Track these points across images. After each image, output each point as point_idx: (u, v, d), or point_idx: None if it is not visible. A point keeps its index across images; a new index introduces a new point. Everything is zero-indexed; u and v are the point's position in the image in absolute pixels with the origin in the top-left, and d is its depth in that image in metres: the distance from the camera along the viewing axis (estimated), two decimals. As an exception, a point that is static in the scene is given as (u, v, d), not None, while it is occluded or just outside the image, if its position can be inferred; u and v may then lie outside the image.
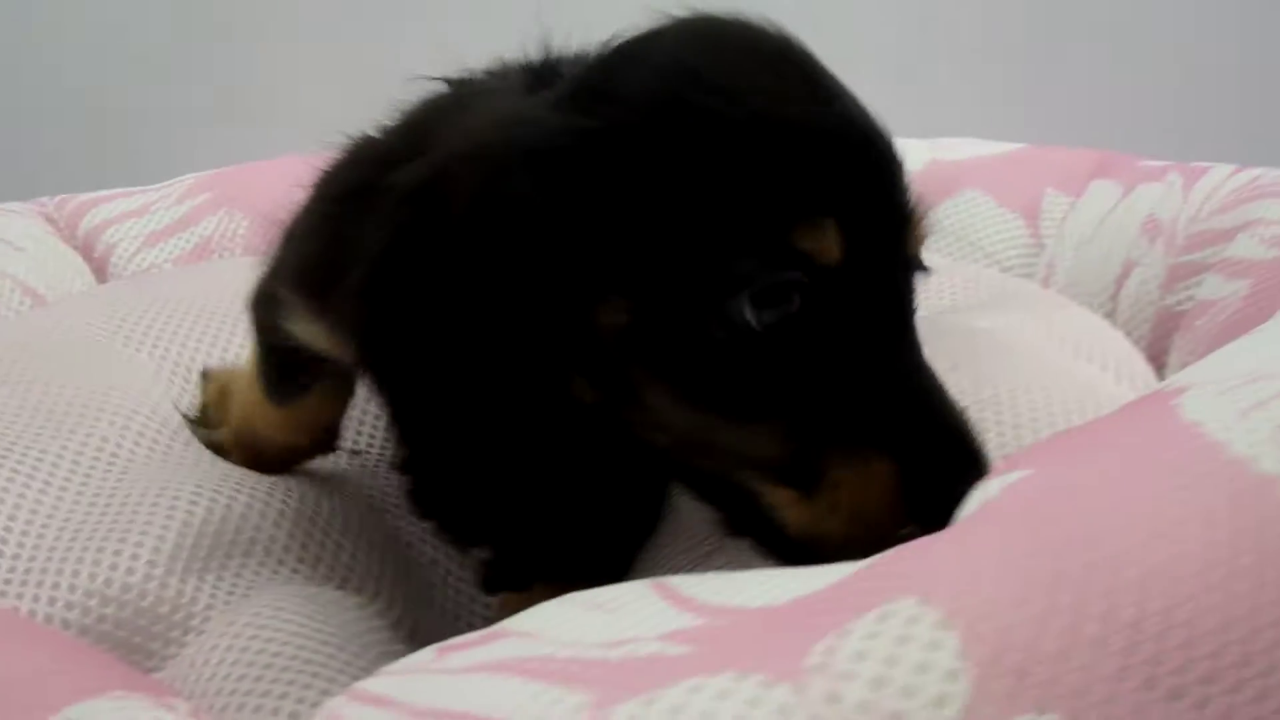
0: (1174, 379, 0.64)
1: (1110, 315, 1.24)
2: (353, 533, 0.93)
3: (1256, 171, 1.24)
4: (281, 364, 0.92)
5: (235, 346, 1.11)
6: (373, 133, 0.83)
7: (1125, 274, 1.25)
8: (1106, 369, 1.00)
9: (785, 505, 0.65)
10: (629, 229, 0.64)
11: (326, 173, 0.84)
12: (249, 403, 0.98)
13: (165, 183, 1.61)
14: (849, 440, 0.64)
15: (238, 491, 0.91)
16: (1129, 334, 1.18)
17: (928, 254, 0.76)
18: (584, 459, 0.70)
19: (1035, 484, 0.53)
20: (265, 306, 0.90)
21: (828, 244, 0.63)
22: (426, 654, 0.54)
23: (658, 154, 0.64)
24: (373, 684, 0.52)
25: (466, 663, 0.51)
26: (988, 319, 1.06)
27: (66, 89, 2.46)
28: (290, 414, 0.96)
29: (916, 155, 1.58)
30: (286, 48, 2.40)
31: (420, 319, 0.66)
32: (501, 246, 0.65)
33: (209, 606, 0.82)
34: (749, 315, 0.62)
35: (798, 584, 0.51)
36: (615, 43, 0.73)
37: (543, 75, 0.78)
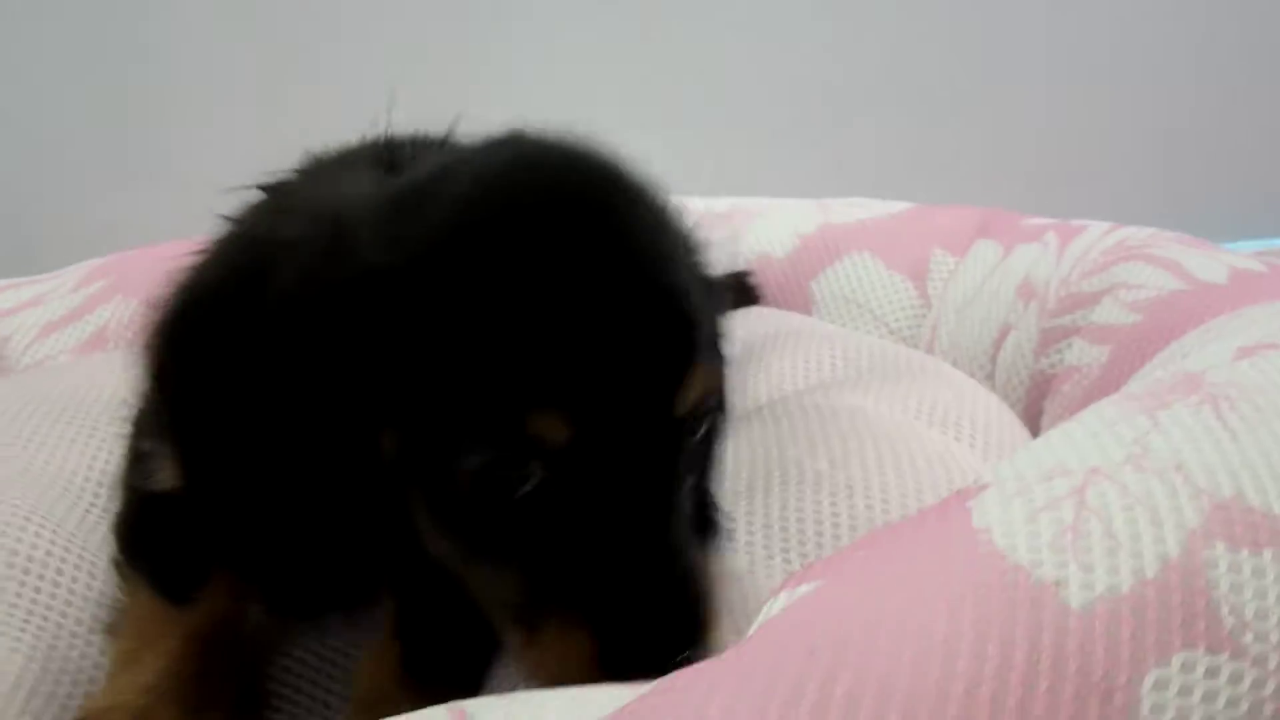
0: (981, 474, 0.66)
1: (990, 378, 1.26)
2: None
3: (1129, 230, 1.26)
4: (167, 535, 0.84)
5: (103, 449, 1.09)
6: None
7: (1002, 337, 1.27)
8: (970, 441, 1.01)
9: (515, 644, 0.69)
10: (398, 369, 0.67)
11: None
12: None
13: (59, 271, 1.61)
14: (565, 604, 0.66)
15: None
16: (1006, 397, 1.20)
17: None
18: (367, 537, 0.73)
19: (816, 602, 0.54)
20: (136, 469, 0.87)
21: (555, 432, 0.64)
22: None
23: (421, 305, 0.66)
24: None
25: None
26: (858, 395, 1.08)
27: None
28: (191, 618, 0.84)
29: (808, 218, 1.60)
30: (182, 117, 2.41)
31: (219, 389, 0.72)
32: (301, 355, 0.69)
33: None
34: (484, 485, 0.66)
35: (596, 708, 0.51)
36: (445, 155, 0.75)
37: (392, 160, 0.85)
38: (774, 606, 0.56)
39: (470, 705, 0.56)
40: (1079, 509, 0.56)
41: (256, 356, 0.70)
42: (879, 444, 0.93)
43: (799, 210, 1.64)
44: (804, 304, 1.51)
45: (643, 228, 0.71)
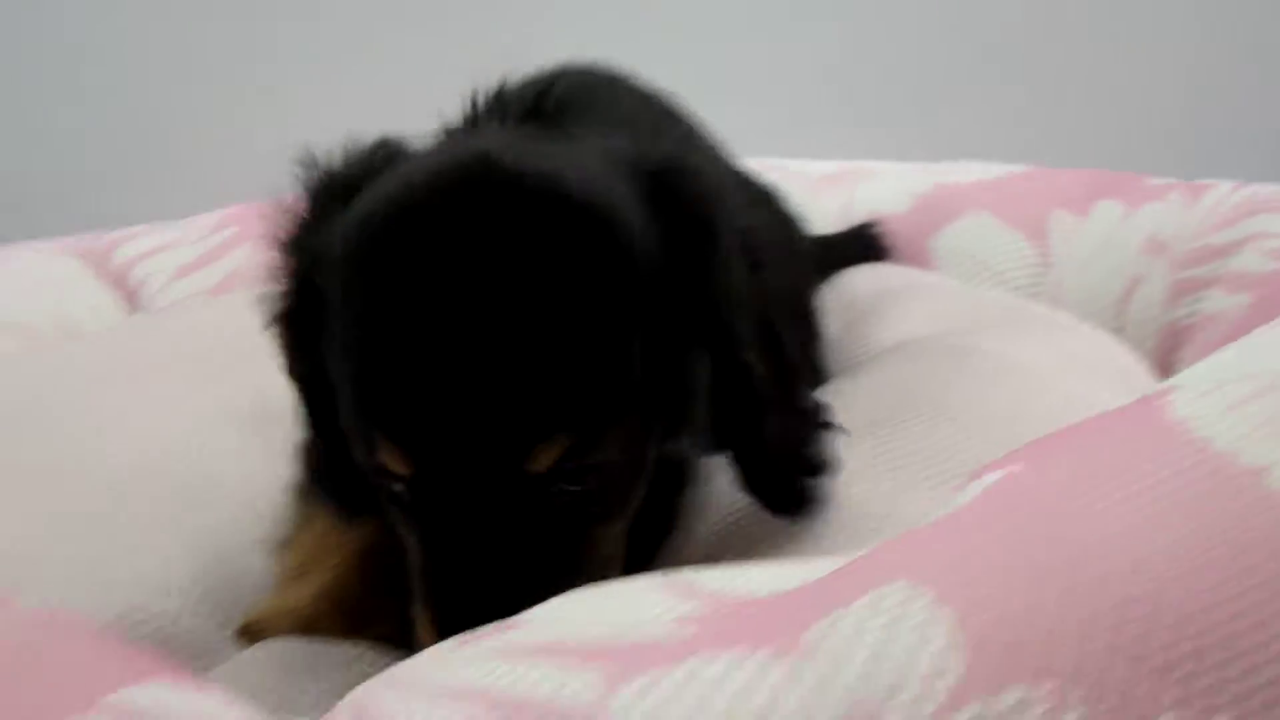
0: (1164, 383, 0.67)
1: (1119, 331, 1.27)
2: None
3: (1255, 187, 1.27)
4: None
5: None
6: None
7: (1130, 290, 1.28)
8: (1110, 388, 1.02)
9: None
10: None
11: None
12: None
13: (192, 217, 1.65)
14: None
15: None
16: (1136, 348, 1.21)
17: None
18: None
19: (1022, 479, 0.56)
20: None
21: (396, 464, 0.68)
22: (450, 644, 0.57)
23: (323, 310, 0.71)
24: (404, 669, 0.55)
25: (488, 649, 0.54)
26: (992, 341, 1.09)
27: (103, 123, 2.53)
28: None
29: (922, 179, 1.62)
30: (306, 87, 2.45)
31: None
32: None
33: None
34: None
35: (803, 572, 0.54)
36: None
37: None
38: (976, 487, 0.58)
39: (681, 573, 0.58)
40: (1278, 403, 0.57)
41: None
42: (1019, 382, 0.95)
43: (911, 171, 1.66)
44: (923, 261, 1.52)
45: (524, 275, 0.66)
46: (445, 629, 0.63)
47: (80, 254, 1.60)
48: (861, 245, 1.51)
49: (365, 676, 0.71)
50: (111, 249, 1.61)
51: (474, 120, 0.91)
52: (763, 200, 1.27)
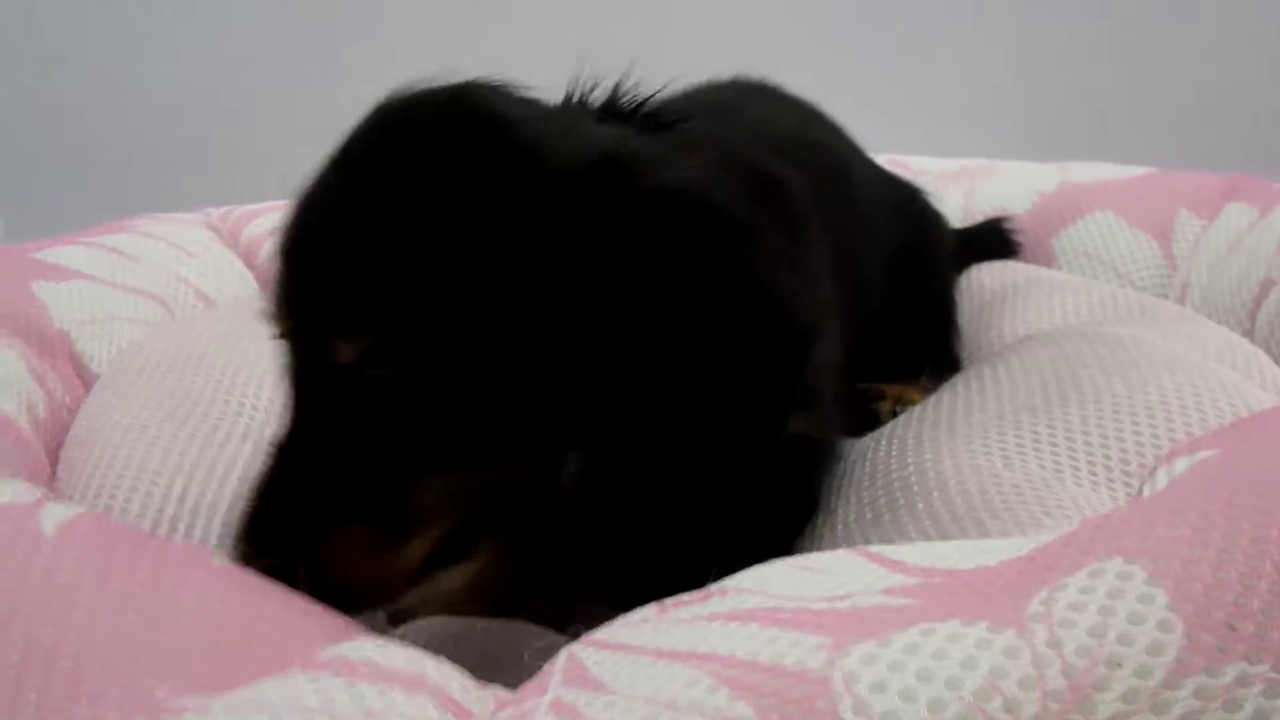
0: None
1: (1248, 333, 1.27)
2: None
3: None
4: None
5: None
6: None
7: (1263, 293, 1.27)
8: (1251, 376, 1.02)
9: None
10: None
11: None
12: None
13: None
14: None
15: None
16: (1268, 351, 1.21)
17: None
18: None
19: (1221, 462, 0.57)
20: None
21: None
22: (647, 610, 0.59)
23: None
24: (604, 634, 0.57)
25: (694, 615, 0.55)
26: (1135, 331, 1.09)
27: (224, 107, 2.58)
28: None
29: (1047, 177, 1.62)
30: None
31: None
32: None
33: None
34: None
35: (1004, 547, 0.55)
36: None
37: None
38: (1171, 470, 0.59)
39: (873, 547, 0.59)
40: None
41: None
42: (1173, 372, 0.95)
43: (1035, 170, 1.67)
44: (1045, 259, 1.53)
45: (429, 185, 0.71)
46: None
47: (211, 226, 1.64)
48: (992, 240, 1.52)
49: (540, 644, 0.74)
50: (241, 225, 1.65)
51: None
52: (908, 197, 1.29)
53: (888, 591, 0.53)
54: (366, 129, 0.75)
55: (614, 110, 0.84)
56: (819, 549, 0.87)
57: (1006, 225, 1.56)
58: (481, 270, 0.69)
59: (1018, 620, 0.47)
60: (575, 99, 0.85)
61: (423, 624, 0.78)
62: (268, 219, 1.63)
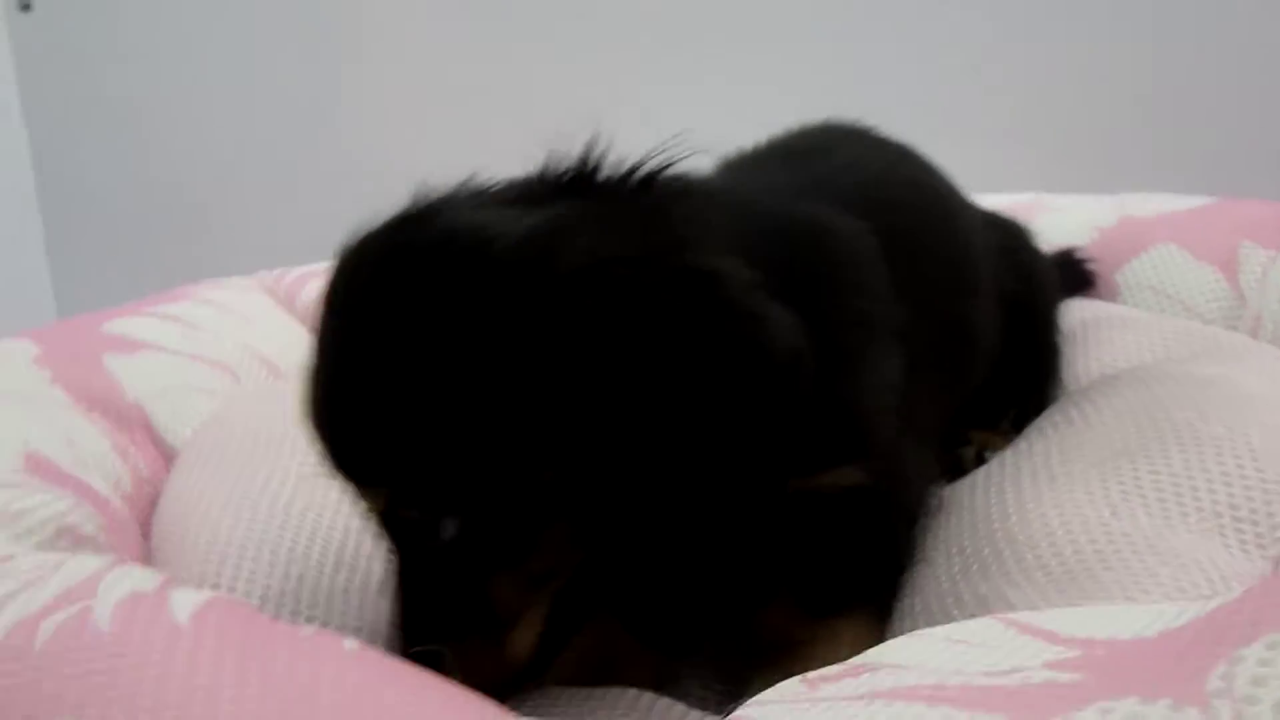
0: None
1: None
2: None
3: None
4: None
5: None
6: None
7: (1337, 324, 1.27)
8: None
9: None
10: None
11: None
12: None
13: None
14: None
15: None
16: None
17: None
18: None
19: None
20: None
21: None
22: (794, 685, 0.59)
23: None
24: (755, 713, 0.57)
25: (845, 692, 0.55)
26: (1210, 368, 1.09)
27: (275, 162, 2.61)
28: None
29: (1106, 211, 1.61)
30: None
31: None
32: None
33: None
34: None
35: (1160, 619, 0.55)
36: None
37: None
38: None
39: (1014, 616, 0.59)
40: None
41: None
42: (1271, 411, 0.94)
43: (1093, 204, 1.66)
44: (1110, 295, 1.52)
45: (392, 336, 0.72)
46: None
47: (268, 289, 1.65)
48: (1066, 273, 1.50)
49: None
50: (296, 288, 1.66)
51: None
52: (1014, 239, 1.28)
53: (1051, 665, 0.52)
54: (330, 285, 0.79)
55: (579, 179, 0.82)
56: (919, 603, 0.87)
57: (1079, 257, 1.55)
58: (459, 394, 0.71)
59: (1200, 697, 0.47)
60: (545, 171, 0.83)
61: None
62: (322, 280, 1.63)
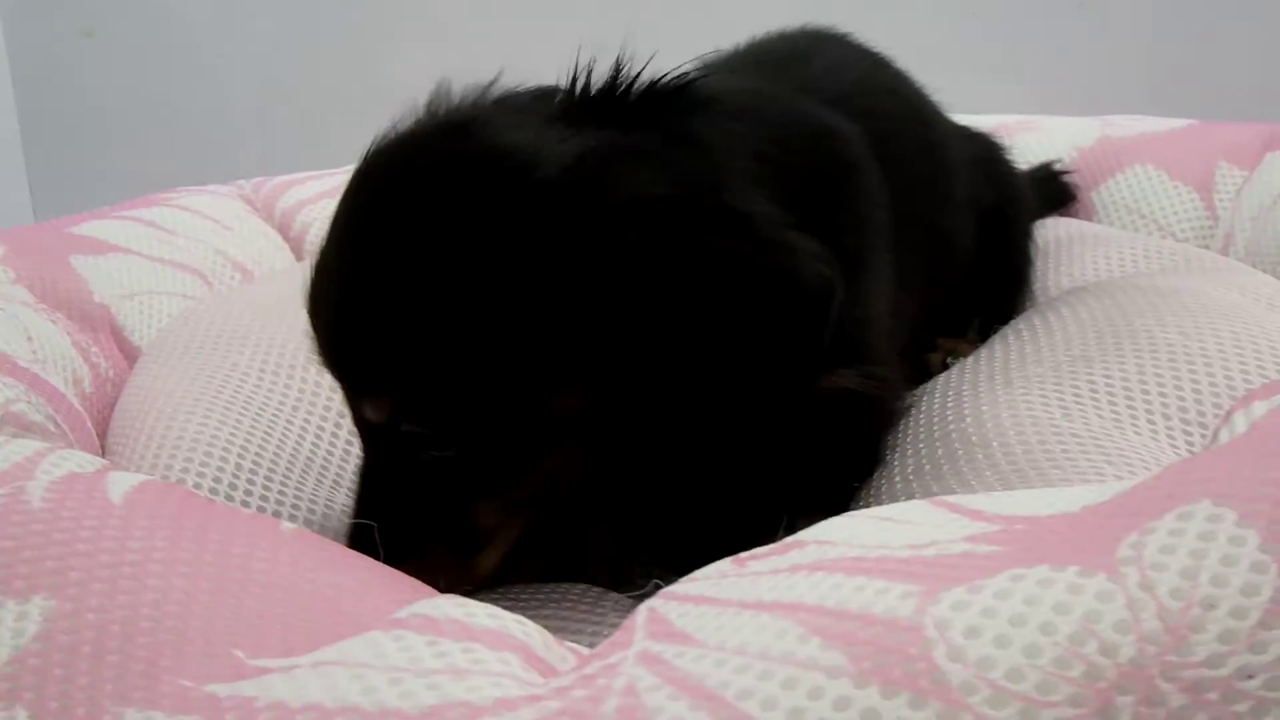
0: None
1: (1293, 283, 1.26)
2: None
3: None
4: None
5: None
6: None
7: (1308, 241, 1.27)
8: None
9: None
10: None
11: None
12: None
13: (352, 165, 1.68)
14: None
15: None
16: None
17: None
18: None
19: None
20: None
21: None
22: (724, 564, 0.59)
23: None
24: (683, 588, 0.57)
25: (774, 567, 0.55)
26: (1186, 281, 1.08)
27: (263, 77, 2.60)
28: None
29: (1086, 131, 1.61)
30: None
31: None
32: None
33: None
34: None
35: (1083, 495, 0.55)
36: None
37: None
38: (1250, 414, 0.59)
39: (949, 498, 0.59)
40: None
41: None
42: (1230, 320, 0.94)
43: (1075, 125, 1.65)
44: (1085, 214, 1.52)
45: (424, 244, 0.72)
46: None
47: (245, 198, 1.64)
48: (1047, 187, 1.49)
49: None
50: (274, 197, 1.65)
51: None
52: (989, 151, 1.28)
53: (971, 539, 0.52)
54: (357, 187, 0.77)
55: (611, 96, 0.82)
56: (872, 501, 0.87)
57: (1058, 169, 1.55)
58: (486, 311, 0.71)
59: (1109, 564, 0.47)
60: (576, 88, 0.82)
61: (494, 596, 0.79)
62: (300, 190, 1.63)
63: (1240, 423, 0.60)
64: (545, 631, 0.57)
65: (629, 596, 0.78)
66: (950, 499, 0.59)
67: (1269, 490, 0.48)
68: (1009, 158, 1.30)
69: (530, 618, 0.59)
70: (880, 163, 0.93)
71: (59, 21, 2.62)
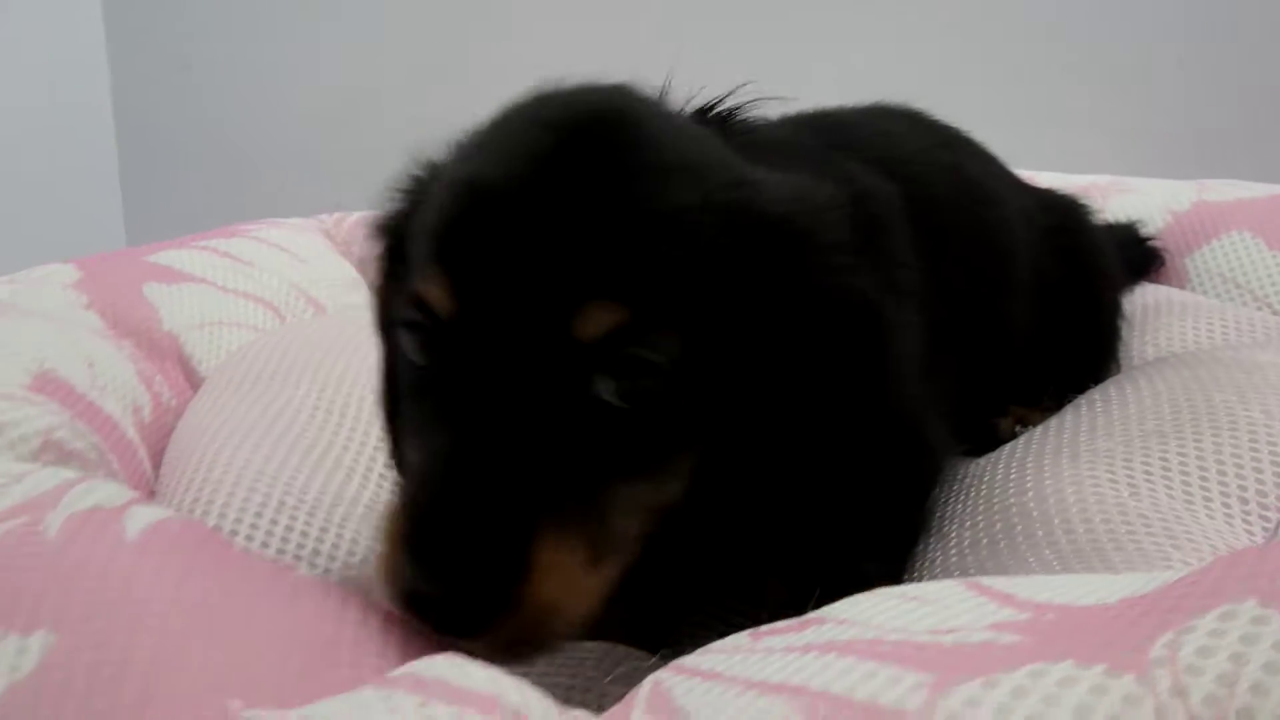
0: None
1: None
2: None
3: None
4: None
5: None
6: None
7: None
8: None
9: None
10: None
11: None
12: None
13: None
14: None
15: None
16: None
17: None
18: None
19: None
20: None
21: (438, 298, 0.66)
22: (739, 638, 0.56)
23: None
24: (694, 661, 0.54)
25: (788, 644, 0.52)
26: (1263, 355, 1.03)
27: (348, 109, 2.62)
28: None
29: (1181, 195, 1.56)
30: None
31: None
32: None
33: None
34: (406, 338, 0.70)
35: (1125, 585, 0.51)
36: None
37: None
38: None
39: (984, 579, 0.55)
40: None
41: None
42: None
43: (1171, 188, 1.60)
44: (1178, 281, 1.47)
45: (616, 170, 0.66)
46: (414, 551, 0.61)
47: (325, 232, 1.65)
48: (1131, 252, 1.44)
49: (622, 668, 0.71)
50: (354, 231, 1.65)
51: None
52: (1067, 218, 1.24)
53: (996, 627, 0.49)
54: (529, 123, 0.71)
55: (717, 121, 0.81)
56: (931, 576, 0.84)
57: (1143, 234, 1.50)
58: (710, 271, 0.67)
59: (1139, 665, 0.43)
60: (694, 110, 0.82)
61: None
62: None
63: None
64: (546, 698, 0.55)
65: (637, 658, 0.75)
66: (986, 580, 0.56)
67: (1320, 591, 0.44)
68: (1091, 224, 1.25)
69: (538, 678, 0.57)
70: (921, 231, 0.89)
71: (159, 55, 2.67)
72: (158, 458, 1.05)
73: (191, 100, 2.70)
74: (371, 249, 0.83)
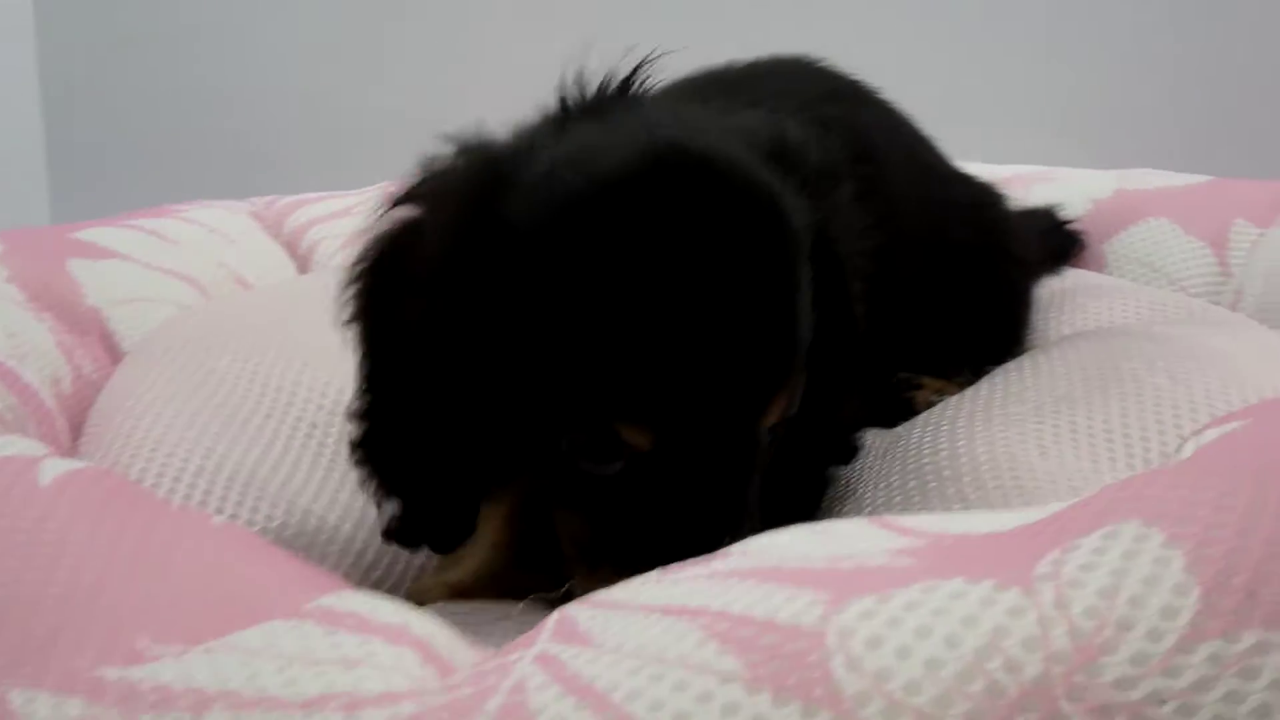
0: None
1: (1302, 341, 1.23)
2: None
3: None
4: None
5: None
6: None
7: (1319, 300, 1.24)
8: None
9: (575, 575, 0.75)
10: (517, 333, 0.69)
11: None
12: None
13: (368, 187, 1.68)
14: (618, 559, 0.69)
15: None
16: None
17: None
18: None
19: (1250, 432, 0.54)
20: None
21: (639, 440, 0.68)
22: (650, 574, 0.57)
23: (543, 280, 0.68)
24: (603, 594, 0.55)
25: (694, 574, 0.53)
26: (1184, 330, 1.06)
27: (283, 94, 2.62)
28: None
29: (1103, 184, 1.59)
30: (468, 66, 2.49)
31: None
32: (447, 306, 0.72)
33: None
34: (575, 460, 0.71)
35: (1020, 516, 0.53)
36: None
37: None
38: (1200, 441, 0.56)
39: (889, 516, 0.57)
40: None
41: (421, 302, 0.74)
42: (1219, 367, 0.92)
43: (1092, 177, 1.63)
44: (1096, 266, 1.50)
45: (765, 246, 0.69)
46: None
47: (254, 214, 1.64)
48: (1051, 238, 1.46)
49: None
50: (284, 214, 1.65)
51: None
52: (982, 200, 1.26)
53: (894, 553, 0.50)
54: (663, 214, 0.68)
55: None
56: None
57: (1061, 218, 1.51)
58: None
59: (1024, 579, 0.45)
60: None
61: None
62: (312, 209, 1.63)
63: (1189, 449, 0.57)
64: (453, 631, 0.55)
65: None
66: (890, 517, 0.57)
67: (1201, 511, 0.46)
68: (1005, 206, 1.27)
69: (457, 622, 0.58)
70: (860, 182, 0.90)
71: (89, 32, 2.65)
72: (76, 431, 1.05)
73: (122, 79, 2.68)
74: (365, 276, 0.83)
